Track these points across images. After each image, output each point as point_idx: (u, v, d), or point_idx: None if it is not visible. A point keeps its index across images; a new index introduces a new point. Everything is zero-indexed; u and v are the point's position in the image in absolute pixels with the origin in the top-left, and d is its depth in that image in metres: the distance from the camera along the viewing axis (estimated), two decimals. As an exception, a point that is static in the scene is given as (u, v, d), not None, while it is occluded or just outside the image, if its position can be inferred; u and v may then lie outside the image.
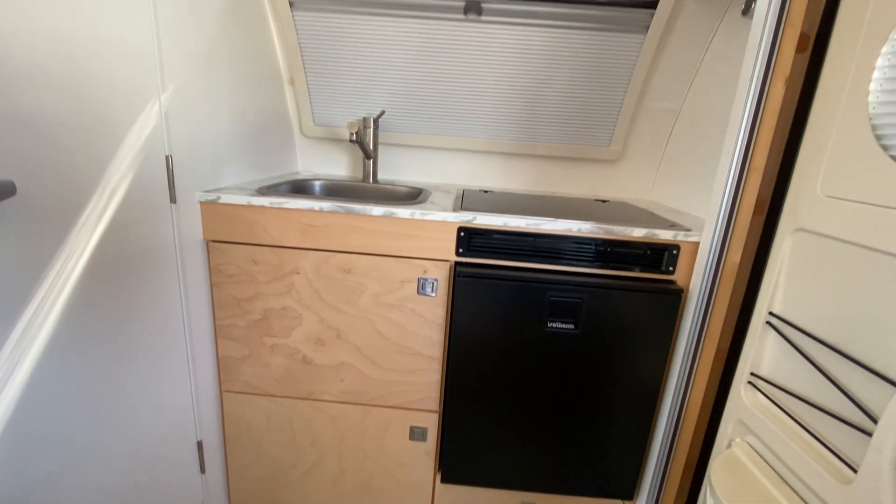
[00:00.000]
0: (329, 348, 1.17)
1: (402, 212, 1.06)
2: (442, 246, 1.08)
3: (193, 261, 1.08)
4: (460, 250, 1.08)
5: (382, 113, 1.46)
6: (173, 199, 0.99)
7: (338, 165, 1.67)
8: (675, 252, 1.05)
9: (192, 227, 1.07)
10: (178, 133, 0.98)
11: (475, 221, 1.06)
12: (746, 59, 0.90)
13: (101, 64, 0.78)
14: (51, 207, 0.72)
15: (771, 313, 0.92)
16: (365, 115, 1.49)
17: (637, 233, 1.04)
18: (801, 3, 0.84)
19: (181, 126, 0.99)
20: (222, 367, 1.21)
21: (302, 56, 1.42)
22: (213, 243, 1.11)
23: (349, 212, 1.06)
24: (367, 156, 1.47)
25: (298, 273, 1.12)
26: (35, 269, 0.71)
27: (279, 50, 1.44)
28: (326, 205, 1.06)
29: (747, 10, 1.12)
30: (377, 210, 1.06)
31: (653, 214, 1.24)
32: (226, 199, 1.07)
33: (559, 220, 1.05)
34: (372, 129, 1.46)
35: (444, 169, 1.64)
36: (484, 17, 1.30)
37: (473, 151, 1.60)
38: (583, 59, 1.36)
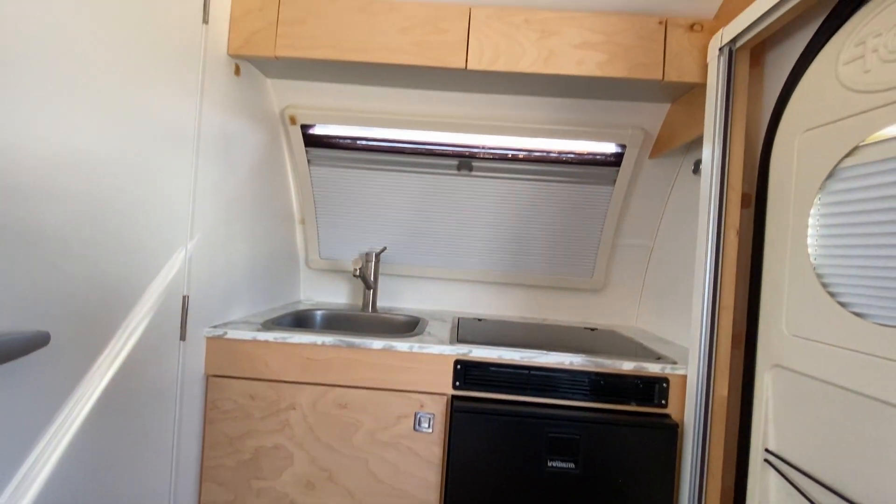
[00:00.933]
0: (319, 492, 1.11)
1: (401, 345, 1.10)
2: (439, 379, 1.11)
3: (192, 396, 1.09)
4: (457, 383, 1.10)
5: (384, 249, 1.60)
6: (183, 337, 1.04)
7: (338, 294, 1.75)
8: (665, 385, 1.08)
9: (196, 363, 1.10)
10: (198, 274, 1.07)
11: (471, 354, 1.10)
12: (701, 214, 1.05)
13: (144, 218, 0.89)
14: (75, 353, 0.76)
15: (767, 450, 0.92)
16: (367, 251, 1.62)
17: (626, 366, 1.08)
18: (738, 169, 1.02)
19: (201, 268, 1.08)
20: (202, 516, 1.12)
21: (314, 201, 1.60)
22: (213, 378, 1.13)
23: (350, 345, 1.11)
24: (368, 286, 1.56)
25: (294, 409, 1.11)
26: (48, 410, 0.72)
27: (294, 196, 1.63)
28: (328, 339, 1.11)
29: (696, 170, 1.32)
30: (377, 343, 1.10)
31: (640, 345, 1.30)
32: (232, 334, 1.12)
33: (551, 352, 1.10)
34: (373, 263, 1.58)
35: (439, 297, 1.73)
36: (474, 173, 1.51)
37: (467, 281, 1.71)
38: (561, 205, 1.55)
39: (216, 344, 1.13)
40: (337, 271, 1.73)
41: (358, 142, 1.49)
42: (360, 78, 1.33)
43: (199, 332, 1.10)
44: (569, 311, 1.71)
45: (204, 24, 1.05)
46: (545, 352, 1.10)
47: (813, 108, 0.87)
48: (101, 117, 0.78)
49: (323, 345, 1.11)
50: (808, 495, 0.82)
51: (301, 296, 1.75)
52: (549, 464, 1.05)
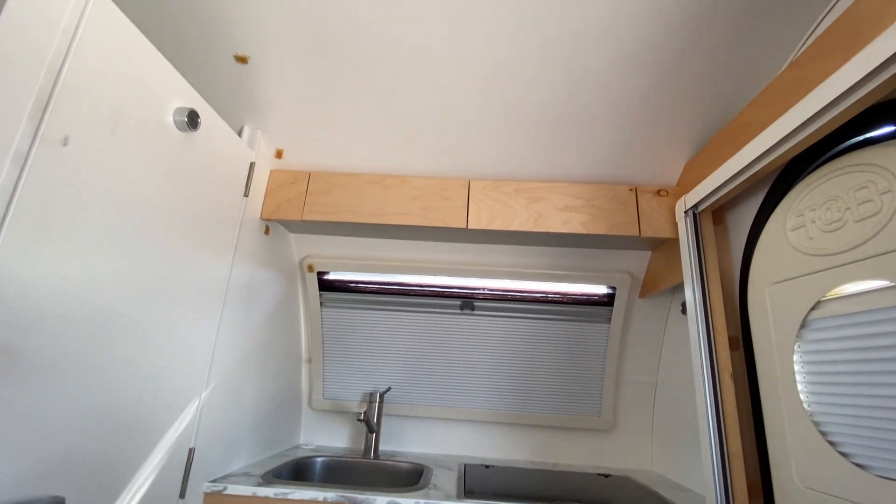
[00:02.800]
0: None
1: (406, 501, 1.06)
2: (446, 541, 1.04)
3: (178, 566, 1.01)
4: (466, 547, 1.03)
5: (388, 389, 1.61)
6: (182, 494, 1.01)
7: (339, 436, 1.70)
8: (688, 545, 1.01)
9: (189, 524, 1.04)
10: (206, 426, 1.08)
11: (480, 511, 1.05)
12: (694, 356, 1.10)
13: (169, 363, 0.95)
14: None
15: None
16: (372, 390, 1.63)
17: (644, 522, 1.03)
18: (720, 313, 1.10)
19: (210, 418, 1.10)
20: None
21: (322, 341, 1.66)
22: (204, 542, 1.06)
23: (353, 502, 1.06)
24: (371, 430, 1.53)
25: (289, 579, 1.02)
26: None
27: (304, 336, 1.69)
28: (330, 494, 1.07)
29: (684, 311, 1.42)
30: (381, 500, 1.06)
31: (656, 495, 1.23)
32: (231, 489, 1.08)
33: (564, 507, 1.05)
34: (377, 404, 1.57)
35: (444, 438, 1.67)
36: (476, 313, 1.60)
37: (472, 421, 1.67)
38: (561, 342, 1.61)
39: (214, 500, 1.08)
40: (339, 412, 1.70)
41: (367, 285, 1.61)
42: (373, 233, 1.50)
43: (199, 488, 1.07)
44: (580, 454, 1.64)
45: (244, 197, 1.24)
46: (557, 506, 1.06)
47: (773, 264, 0.98)
48: (147, 266, 0.89)
49: (325, 501, 1.07)
50: None
51: (301, 439, 1.70)
52: None
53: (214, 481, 1.10)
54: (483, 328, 1.62)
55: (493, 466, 1.49)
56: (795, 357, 0.91)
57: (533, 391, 1.63)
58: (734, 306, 1.13)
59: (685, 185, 1.30)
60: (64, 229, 0.70)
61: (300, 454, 1.48)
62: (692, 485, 1.34)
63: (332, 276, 1.61)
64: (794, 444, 0.89)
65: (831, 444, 0.82)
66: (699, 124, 1.23)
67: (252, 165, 1.27)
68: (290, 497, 1.07)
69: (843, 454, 0.79)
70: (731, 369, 1.06)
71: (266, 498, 1.08)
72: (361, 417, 1.37)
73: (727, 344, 1.08)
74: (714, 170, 1.07)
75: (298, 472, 1.38)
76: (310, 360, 1.69)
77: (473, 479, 1.28)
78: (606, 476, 1.46)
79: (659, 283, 1.43)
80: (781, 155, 0.89)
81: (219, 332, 1.12)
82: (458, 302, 1.61)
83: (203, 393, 1.07)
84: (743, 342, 1.08)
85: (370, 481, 1.44)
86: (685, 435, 1.42)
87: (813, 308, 0.88)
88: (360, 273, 1.60)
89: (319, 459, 1.47)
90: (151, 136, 0.88)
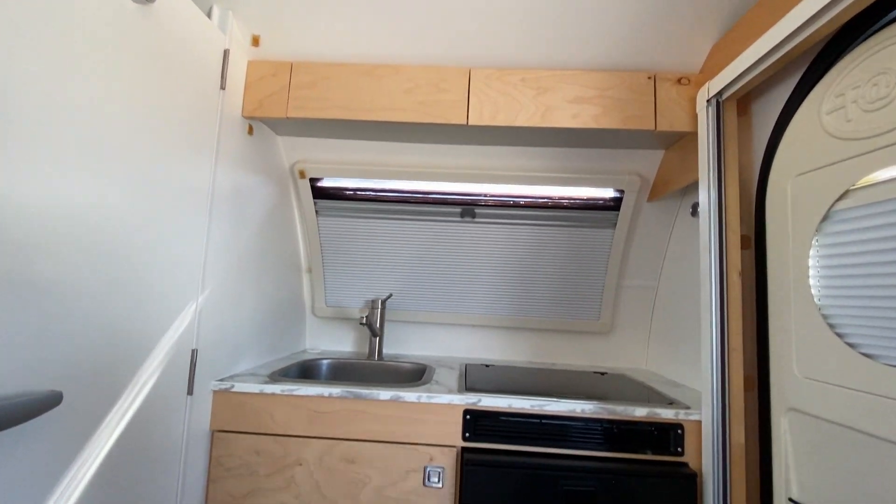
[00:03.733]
0: (326, 555, 1.06)
1: (409, 395, 1.09)
2: (448, 431, 1.09)
3: (197, 453, 1.07)
4: (467, 434, 1.08)
5: (390, 296, 1.61)
6: (190, 391, 1.03)
7: (344, 342, 1.74)
8: (679, 432, 1.06)
9: (202, 418, 1.08)
10: (207, 328, 1.08)
11: (480, 403, 1.09)
12: (702, 256, 1.07)
13: (158, 273, 0.92)
14: (86, 411, 0.76)
15: (791, 500, 0.89)
16: (373, 297, 1.64)
17: (639, 412, 1.06)
18: (735, 212, 1.04)
19: (210, 321, 1.10)
20: (202, 584, 1.07)
21: (321, 250, 1.63)
22: (218, 433, 1.11)
23: (357, 397, 1.10)
24: (374, 334, 1.56)
25: (301, 465, 1.09)
26: (57, 470, 0.71)
27: (301, 246, 1.66)
28: (335, 390, 1.10)
29: (694, 212, 1.36)
30: (384, 394, 1.09)
31: (651, 389, 1.28)
32: (239, 387, 1.11)
33: (562, 399, 1.09)
34: (379, 310, 1.59)
35: (446, 343, 1.72)
36: (478, 220, 1.55)
37: (473, 326, 1.70)
38: (564, 248, 1.57)
39: (223, 398, 1.12)
40: (342, 319, 1.73)
41: (364, 193, 1.54)
42: (366, 134, 1.39)
43: (207, 386, 1.10)
44: (577, 355, 1.69)
45: (221, 91, 1.12)
46: (556, 399, 1.09)
47: (801, 154, 0.90)
48: (121, 177, 0.82)
49: (330, 396, 1.10)
50: (839, 550, 0.78)
51: (307, 344, 1.75)
52: (565, 519, 1.01)
53: (222, 380, 1.13)
54: (484, 236, 1.57)
55: (493, 366, 1.54)
56: (812, 252, 0.87)
57: (533, 296, 1.63)
58: (749, 204, 1.06)
59: (709, 71, 1.17)
60: (23, 148, 0.62)
61: (306, 357, 1.53)
62: (686, 381, 1.39)
63: (326, 184, 1.53)
64: (798, 337, 0.88)
65: (839, 335, 0.80)
66: (727, 1, 1.07)
67: (226, 53, 1.13)
68: (296, 393, 1.10)
69: (851, 345, 0.78)
70: (739, 267, 1.03)
71: (273, 394, 1.11)
72: (363, 321, 1.38)
73: (738, 242, 1.04)
74: (743, 52, 0.95)
75: (304, 373, 1.43)
76: (310, 270, 1.68)
77: (474, 376, 1.33)
78: (602, 374, 1.51)
79: (670, 184, 1.35)
80: (821, 28, 0.78)
81: (209, 239, 1.08)
82: (458, 209, 1.55)
83: (199, 297, 1.05)
84: (755, 241, 1.04)
85: (374, 380, 1.50)
86: (681, 337, 1.44)
87: (839, 198, 0.82)
88: (355, 179, 1.52)
89: (325, 362, 1.51)
90: (98, 11, 0.75)
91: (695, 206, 1.35)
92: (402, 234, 1.59)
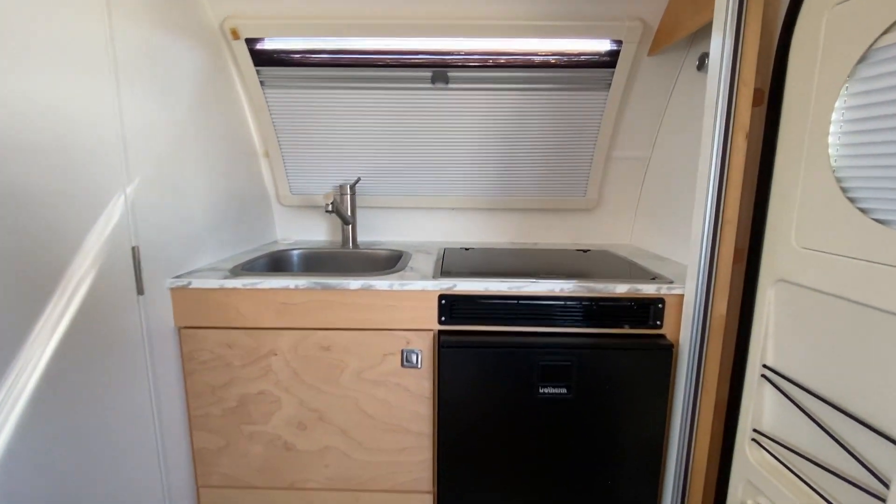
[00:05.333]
0: (311, 432, 1.10)
1: (381, 283, 1.03)
2: (424, 315, 1.05)
3: (164, 349, 1.03)
4: (443, 318, 1.05)
5: (358, 180, 1.47)
6: (140, 291, 0.95)
7: (317, 231, 1.65)
8: (660, 306, 1.03)
9: (163, 315, 1.03)
10: (147, 222, 0.96)
11: (456, 288, 1.03)
12: (706, 115, 0.92)
13: (63, 161, 0.76)
14: (8, 313, 0.68)
15: (765, 366, 0.89)
16: (342, 183, 1.50)
17: (620, 289, 1.02)
18: (752, 60, 0.87)
19: (150, 215, 0.97)
20: (198, 461, 1.13)
21: (275, 130, 1.44)
22: (185, 330, 1.07)
23: (325, 287, 1.03)
24: (346, 222, 1.46)
25: (276, 354, 1.07)
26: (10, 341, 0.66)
27: (252, 126, 1.46)
28: (302, 282, 1.03)
29: (701, 65, 1.16)
30: (354, 283, 1.03)
31: (634, 264, 1.23)
32: (197, 283, 1.04)
33: (540, 280, 1.04)
34: (349, 196, 1.46)
35: (424, 227, 1.64)
36: (451, 86, 1.34)
37: (452, 209, 1.60)
38: (550, 116, 1.40)
39: (182, 295, 1.05)
40: (312, 207, 1.61)
41: (316, 56, 1.29)
42: (307, -26, 1.11)
43: (162, 284, 1.02)
44: (561, 234, 1.63)
45: None
46: (534, 280, 1.04)
47: (850, -28, 0.71)
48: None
49: (297, 289, 1.03)
50: (804, 408, 0.80)
51: (278, 235, 1.65)
52: (541, 390, 1.03)
53: (178, 277, 1.05)
54: (459, 104, 1.38)
55: (472, 249, 1.48)
56: (838, 103, 0.73)
57: (516, 173, 1.50)
58: (769, 49, 0.89)
59: None
60: None
61: (276, 248, 1.44)
62: (670, 255, 1.34)
63: (267, 46, 1.28)
64: (802, 205, 0.79)
65: (851, 199, 0.71)
66: None
67: None
68: (259, 286, 1.04)
69: (863, 210, 0.69)
70: (747, 128, 0.89)
71: (234, 289, 1.04)
72: (329, 208, 1.26)
73: (751, 97, 0.89)
74: None
75: (274, 264, 1.36)
76: (267, 154, 1.51)
77: (452, 260, 1.27)
78: (585, 251, 1.46)
79: (678, 30, 1.14)
80: None
81: (122, 116, 0.89)
82: (428, 73, 1.32)
83: (127, 188, 0.91)
84: (769, 96, 0.89)
85: (348, 269, 1.44)
86: (670, 210, 1.36)
87: (887, 31, 0.65)
88: (302, 39, 1.27)
89: (296, 252, 1.44)
90: None
91: (703, 58, 1.15)
92: (365, 106, 1.39)
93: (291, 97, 1.37)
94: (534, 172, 1.50)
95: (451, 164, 1.49)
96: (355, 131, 1.44)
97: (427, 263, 1.23)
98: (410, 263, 1.22)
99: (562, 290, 1.03)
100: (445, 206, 1.58)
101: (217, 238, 1.25)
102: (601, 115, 1.38)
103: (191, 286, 1.04)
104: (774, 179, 0.86)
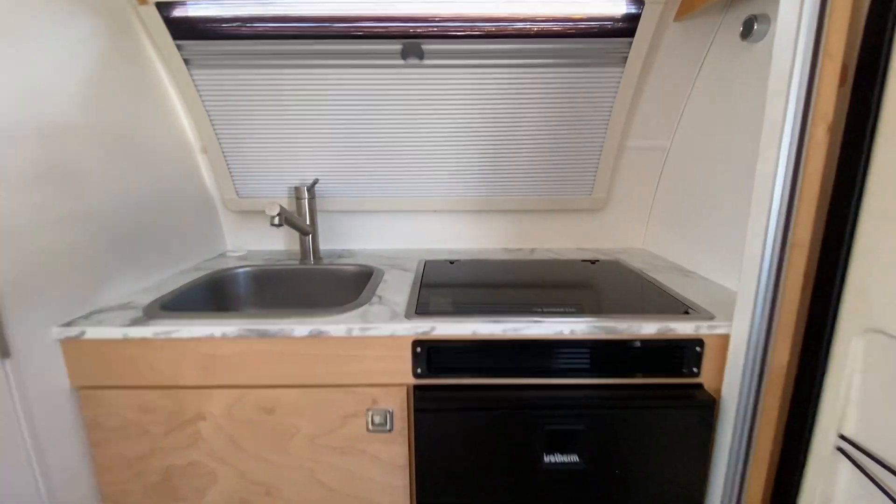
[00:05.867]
0: (257, 512, 0.87)
1: (335, 328, 0.79)
2: (394, 367, 0.81)
3: (57, 418, 0.79)
4: (419, 371, 0.81)
5: (316, 182, 1.20)
6: (4, 352, 0.70)
7: (274, 239, 1.39)
8: (698, 349, 0.80)
9: (50, 376, 0.78)
10: (15, 253, 0.70)
11: (435, 332, 0.79)
12: (772, 100, 0.67)
13: None
14: None
15: (842, 437, 0.67)
16: (297, 184, 1.23)
17: (648, 329, 0.79)
18: (840, 27, 0.62)
19: (13, 252, 0.71)
20: (117, 547, 0.90)
21: (210, 120, 1.16)
22: (85, 391, 0.82)
23: (263, 335, 0.79)
24: (304, 232, 1.20)
25: (205, 419, 0.83)
26: None
27: (183, 115, 1.18)
28: (231, 328, 0.78)
29: (748, 32, 0.90)
30: (300, 329, 0.78)
31: (655, 284, 1.00)
32: (93, 333, 0.78)
33: (545, 318, 0.80)
34: (306, 200, 1.20)
35: (401, 233, 1.38)
36: (427, 61, 1.07)
37: (436, 211, 1.35)
38: (552, 98, 1.13)
39: (76, 347, 0.80)
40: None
41: (252, 25, 1.01)
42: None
43: (45, 336, 0.77)
44: (561, 237, 1.39)
45: None
46: (537, 318, 0.80)
47: None
48: None
49: (224, 337, 0.79)
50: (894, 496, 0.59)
51: (228, 245, 1.39)
52: (547, 459, 0.81)
53: (69, 324, 0.80)
54: (437, 85, 1.11)
55: (459, 261, 1.23)
56: None
57: (509, 169, 1.25)
58: (860, 11, 0.64)
59: None
60: None
61: (223, 265, 1.18)
62: (694, 266, 1.11)
63: (189, 12, 0.99)
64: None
65: None
66: None
67: None
68: (175, 336, 0.79)
69: None
70: (830, 119, 0.65)
71: (143, 340, 0.79)
72: (276, 221, 1.00)
73: (837, 74, 0.64)
74: None
75: (213, 292, 1.10)
76: (205, 150, 1.23)
77: (433, 279, 1.03)
78: (593, 262, 1.22)
79: (719, -15, 0.87)
80: None
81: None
82: (397, 46, 1.05)
83: (-35, 215, 0.65)
84: (855, 73, 0.64)
85: (307, 291, 1.19)
86: (693, 212, 1.13)
87: None
88: (232, 3, 0.98)
89: (243, 271, 1.18)
90: None
91: (749, 23, 0.89)
92: (320, 89, 1.11)
93: (226, 79, 1.09)
94: (531, 167, 1.25)
95: (430, 159, 1.23)
96: (310, 120, 1.17)
97: (401, 286, 0.99)
98: (380, 289, 0.98)
99: (572, 332, 0.79)
100: (426, 208, 1.33)
101: (137, 258, 0.99)
102: (615, 95, 1.12)
103: (85, 337, 0.78)
104: (868, 188, 0.63)
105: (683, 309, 0.85)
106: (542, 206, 1.31)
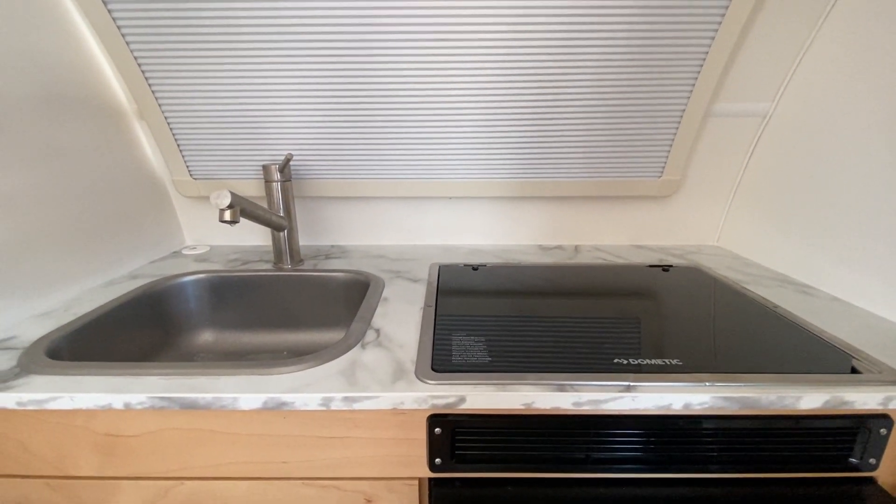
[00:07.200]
0: None
1: (303, 399, 0.49)
2: (399, 453, 0.52)
3: None
4: (437, 461, 0.52)
5: (290, 158, 0.88)
6: None
7: (246, 231, 1.09)
8: (883, 432, 0.51)
9: None
10: None
11: (464, 406, 0.50)
12: None
13: None
14: None
15: None
16: (265, 163, 0.92)
17: (808, 400, 0.49)
18: None
19: None
20: None
21: (144, 74, 0.84)
22: (-73, 480, 0.54)
23: (192, 407, 0.49)
24: (277, 228, 0.90)
25: (112, 524, 0.55)
26: None
27: (108, 66, 0.85)
28: (140, 397, 0.49)
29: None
30: (247, 401, 0.49)
31: (782, 317, 0.69)
32: (-76, 401, 0.49)
33: (641, 383, 0.50)
34: (278, 183, 0.88)
35: (405, 223, 1.08)
36: (446, -19, 0.73)
37: (453, 198, 1.04)
38: (619, 46, 0.80)
39: None
40: (233, 198, 1.04)
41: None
42: None
43: None
44: (613, 231, 1.08)
45: None
46: (627, 382, 0.50)
47: None
48: None
49: (128, 409, 0.50)
50: None
51: (186, 240, 1.09)
52: (633, 592, 0.53)
53: None
54: (459, 22, 0.78)
55: (484, 266, 0.93)
56: None
57: (551, 144, 0.93)
58: None
59: None
60: None
61: (167, 271, 0.89)
62: (816, 280, 0.80)
63: None
64: None
65: None
66: None
67: None
68: (51, 407, 0.49)
69: None
70: None
71: (9, 411, 0.50)
72: (227, 217, 0.70)
73: None
74: None
75: (150, 310, 0.80)
76: (141, 115, 0.91)
77: (453, 302, 0.73)
78: (665, 269, 0.92)
79: None
80: None
81: None
82: (403, -40, 0.72)
83: None
84: None
85: (284, 310, 0.89)
86: (812, 201, 0.81)
87: None
88: None
89: (194, 279, 0.88)
90: None
91: None
92: (291, 28, 0.79)
93: (158, 16, 0.76)
94: (580, 141, 0.93)
95: (444, 128, 0.91)
96: (280, 74, 0.84)
97: (408, 310, 0.69)
98: (378, 315, 0.68)
99: (686, 405, 0.49)
100: (439, 194, 1.01)
101: (35, 267, 0.69)
102: (710, 42, 0.79)
103: (-88, 408, 0.49)
104: None
105: (847, 360, 0.55)
106: (593, 192, 1.00)
